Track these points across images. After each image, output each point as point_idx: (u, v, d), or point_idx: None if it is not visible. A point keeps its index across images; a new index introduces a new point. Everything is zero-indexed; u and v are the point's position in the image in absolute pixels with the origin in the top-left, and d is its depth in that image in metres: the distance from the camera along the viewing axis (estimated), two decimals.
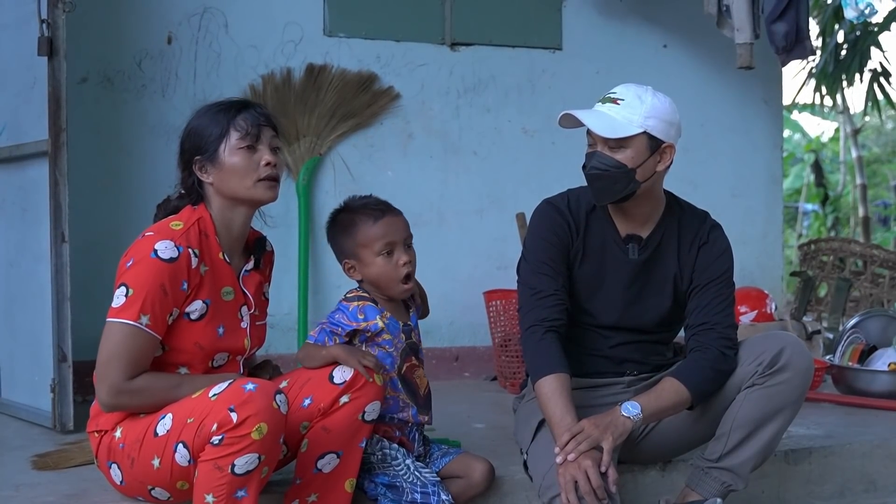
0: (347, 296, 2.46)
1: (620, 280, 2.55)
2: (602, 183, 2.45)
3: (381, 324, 2.40)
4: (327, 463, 2.26)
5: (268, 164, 2.27)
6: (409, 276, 2.43)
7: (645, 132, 2.41)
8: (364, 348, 2.39)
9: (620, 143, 2.41)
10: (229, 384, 2.08)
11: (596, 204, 2.54)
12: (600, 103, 2.46)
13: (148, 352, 2.18)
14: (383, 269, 2.40)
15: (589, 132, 2.46)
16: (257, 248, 2.41)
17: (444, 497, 2.37)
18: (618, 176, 2.42)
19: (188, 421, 2.08)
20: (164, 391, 2.18)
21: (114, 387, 2.15)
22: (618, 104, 2.42)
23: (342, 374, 2.24)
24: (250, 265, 2.38)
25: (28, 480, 2.59)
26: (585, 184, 2.52)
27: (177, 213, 2.30)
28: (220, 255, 2.29)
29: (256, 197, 2.29)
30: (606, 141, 2.42)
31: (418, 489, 2.37)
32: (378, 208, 2.44)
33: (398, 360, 2.44)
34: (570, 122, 2.47)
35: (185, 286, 2.20)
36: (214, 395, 2.07)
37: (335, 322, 2.39)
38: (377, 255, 2.40)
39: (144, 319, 2.14)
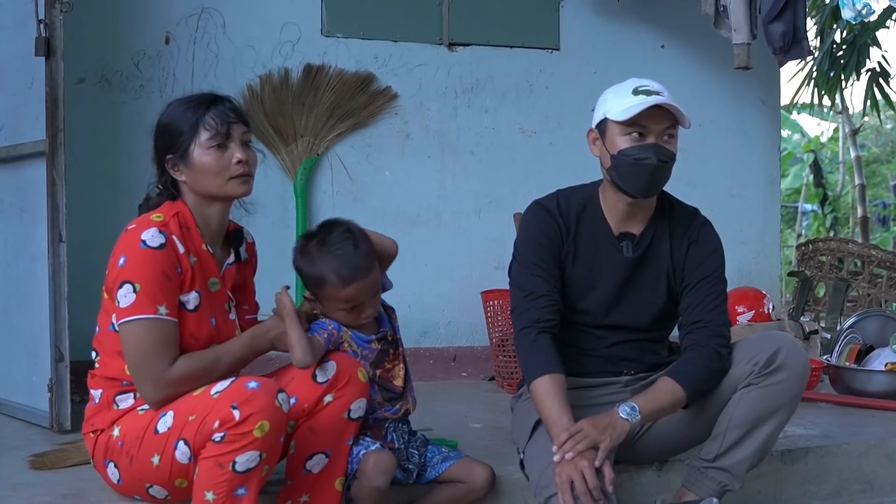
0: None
1: (615, 278, 2.54)
2: (660, 175, 2.42)
3: (345, 335, 2.37)
4: (316, 463, 2.25)
5: (239, 161, 2.26)
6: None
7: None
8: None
9: (675, 133, 2.41)
10: (232, 382, 2.08)
11: (640, 197, 2.46)
12: (644, 95, 2.37)
13: (175, 338, 2.18)
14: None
15: (637, 122, 2.37)
16: (235, 241, 2.40)
17: (366, 448, 2.32)
18: (670, 167, 2.43)
19: (190, 418, 2.08)
20: (205, 370, 2.18)
21: (158, 380, 2.14)
22: (661, 96, 2.38)
23: (324, 373, 2.23)
24: (231, 259, 2.38)
25: (25, 480, 2.59)
26: (580, 183, 2.51)
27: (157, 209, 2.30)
28: (204, 246, 2.30)
29: (229, 194, 2.29)
30: (667, 130, 2.40)
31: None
32: None
33: (370, 370, 2.39)
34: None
35: (179, 269, 2.20)
36: (217, 392, 2.07)
37: (321, 324, 2.35)
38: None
39: (162, 309, 2.14)
